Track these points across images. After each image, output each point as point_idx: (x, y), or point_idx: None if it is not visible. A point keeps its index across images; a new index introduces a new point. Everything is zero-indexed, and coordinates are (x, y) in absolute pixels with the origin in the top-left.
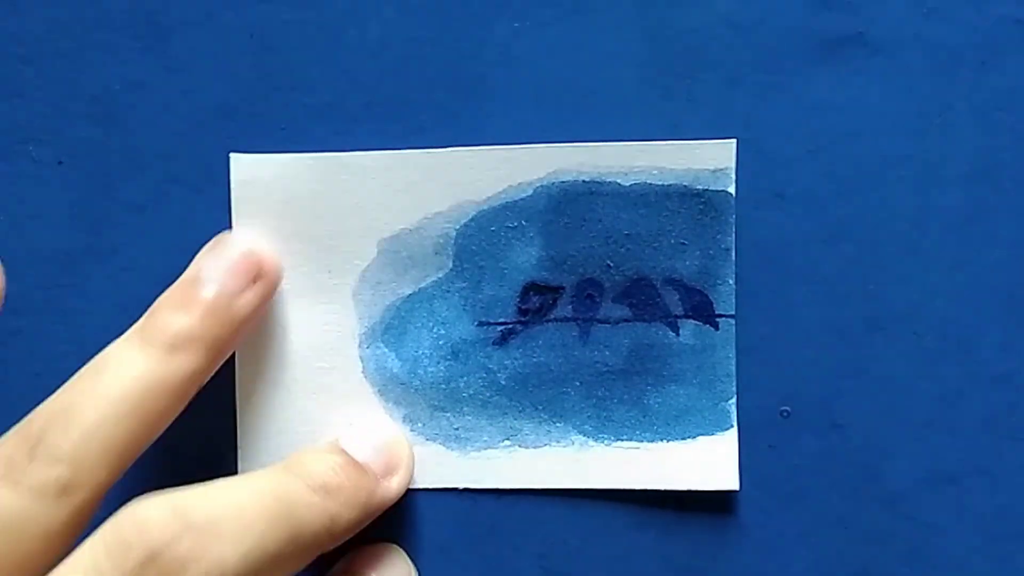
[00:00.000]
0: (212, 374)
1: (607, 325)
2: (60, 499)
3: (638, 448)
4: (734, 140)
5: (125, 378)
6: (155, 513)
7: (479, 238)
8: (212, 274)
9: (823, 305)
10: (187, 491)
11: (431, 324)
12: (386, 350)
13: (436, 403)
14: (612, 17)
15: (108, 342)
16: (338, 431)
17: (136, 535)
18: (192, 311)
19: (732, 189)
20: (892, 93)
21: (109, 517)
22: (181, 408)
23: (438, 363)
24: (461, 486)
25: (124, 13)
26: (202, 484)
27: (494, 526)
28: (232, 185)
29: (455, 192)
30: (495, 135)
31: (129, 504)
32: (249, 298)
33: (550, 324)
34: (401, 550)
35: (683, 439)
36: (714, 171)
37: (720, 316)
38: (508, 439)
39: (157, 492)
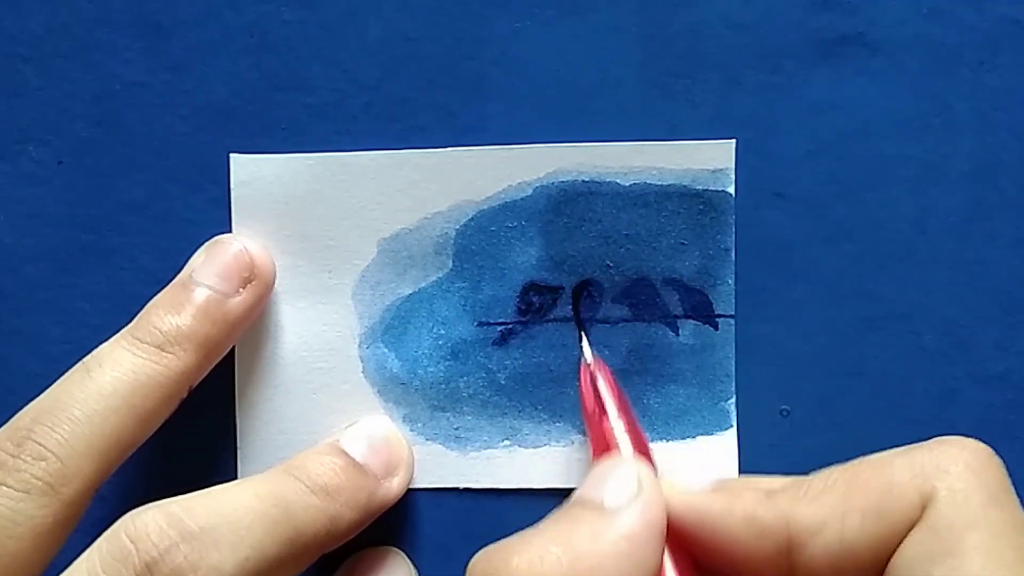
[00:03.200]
0: (204, 374)
1: (607, 325)
2: (47, 495)
3: None
4: (733, 140)
5: (114, 374)
6: (152, 523)
7: (479, 238)
8: (204, 276)
9: (823, 305)
10: (185, 499)
11: (431, 324)
12: (386, 350)
13: (436, 403)
14: (612, 17)
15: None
16: (338, 431)
17: (133, 545)
18: (184, 312)
19: (731, 189)
20: (892, 93)
21: (108, 527)
22: (172, 407)
23: (438, 363)
24: (461, 486)
25: (124, 13)
26: (201, 491)
27: (494, 526)
28: (232, 185)
29: (455, 192)
30: (494, 135)
31: (127, 514)
32: (241, 299)
33: (550, 324)
34: (402, 554)
35: (682, 439)
36: (713, 171)
37: (720, 316)
38: (508, 439)
39: (155, 502)
